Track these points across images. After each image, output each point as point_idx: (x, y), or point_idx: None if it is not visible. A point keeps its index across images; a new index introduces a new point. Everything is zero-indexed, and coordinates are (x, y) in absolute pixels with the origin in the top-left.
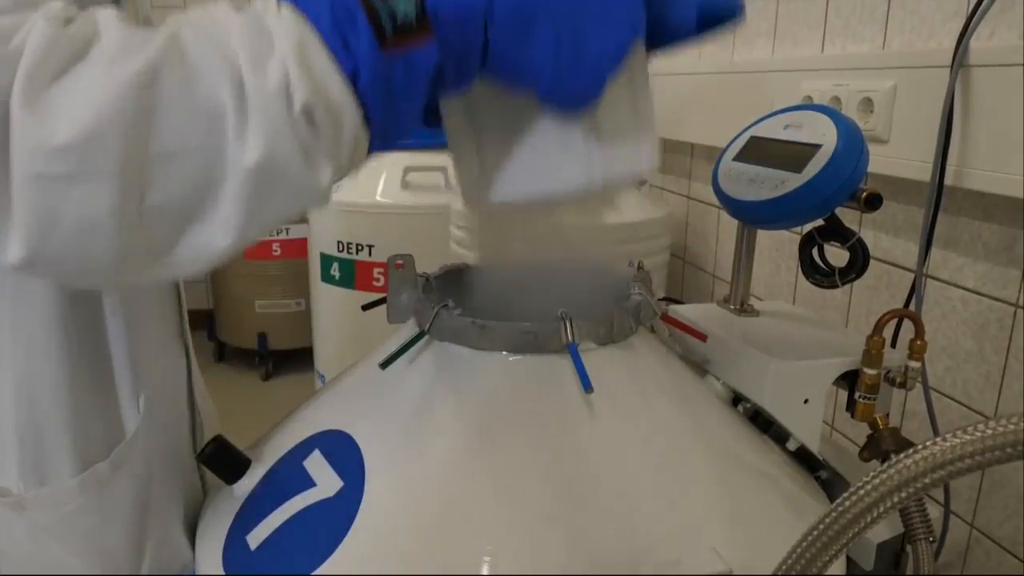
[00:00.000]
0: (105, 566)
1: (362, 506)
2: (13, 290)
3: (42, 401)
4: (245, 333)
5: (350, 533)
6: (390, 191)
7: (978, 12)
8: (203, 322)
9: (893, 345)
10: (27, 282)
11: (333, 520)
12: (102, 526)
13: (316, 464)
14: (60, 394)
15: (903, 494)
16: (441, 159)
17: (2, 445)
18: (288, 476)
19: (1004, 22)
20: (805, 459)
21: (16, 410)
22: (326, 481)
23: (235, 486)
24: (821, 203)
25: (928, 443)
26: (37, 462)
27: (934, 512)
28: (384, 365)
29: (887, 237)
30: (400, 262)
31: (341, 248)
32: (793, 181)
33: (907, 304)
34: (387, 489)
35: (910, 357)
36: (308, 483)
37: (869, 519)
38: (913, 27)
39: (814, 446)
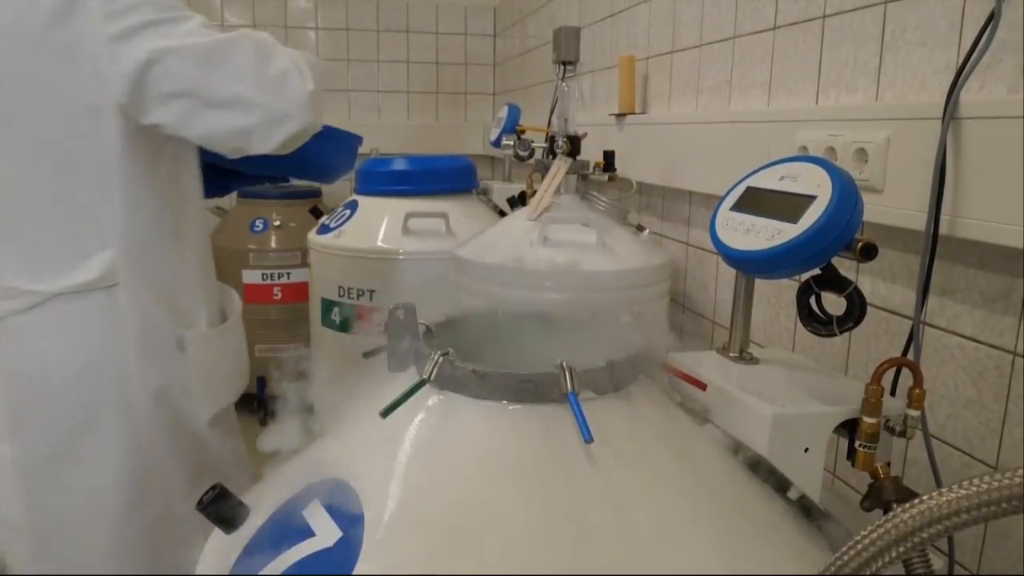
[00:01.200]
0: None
1: (361, 557)
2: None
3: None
4: None
5: None
6: (391, 236)
7: (968, 66)
8: None
9: (893, 393)
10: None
11: (331, 571)
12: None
13: (315, 513)
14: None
15: (902, 548)
16: (442, 205)
17: (193, 303)
18: (287, 525)
19: (993, 76)
20: (806, 508)
21: (200, 282)
22: (325, 531)
23: (234, 535)
24: (817, 253)
25: (926, 497)
26: (213, 310)
27: (938, 562)
28: (384, 414)
29: (885, 284)
30: (401, 311)
31: (342, 293)
32: (789, 231)
33: (905, 351)
34: (386, 540)
35: (909, 405)
36: (307, 533)
37: (869, 573)
38: (905, 79)
39: (815, 495)
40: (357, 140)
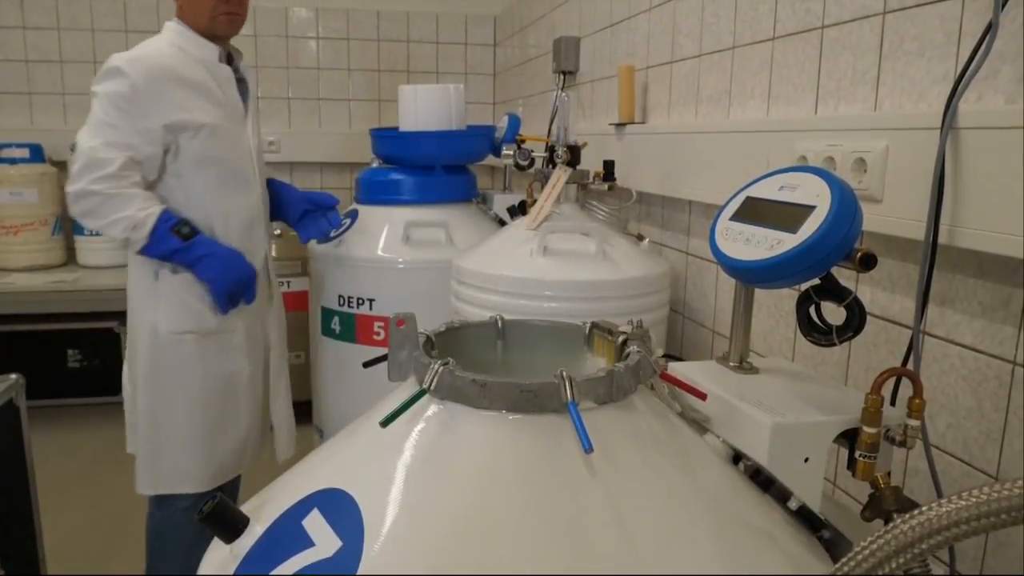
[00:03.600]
0: None
1: (361, 567)
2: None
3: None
4: None
5: None
6: (391, 246)
7: (966, 76)
8: None
9: (892, 403)
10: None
11: None
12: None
13: (315, 523)
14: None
15: (903, 558)
16: (442, 215)
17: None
18: (286, 535)
19: (991, 87)
20: (807, 518)
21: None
22: (325, 541)
23: (233, 545)
24: (816, 263)
25: (927, 507)
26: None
27: (939, 572)
28: (385, 423)
29: (884, 294)
30: (402, 320)
31: (342, 302)
32: (788, 241)
33: (905, 361)
34: (386, 549)
35: (909, 415)
36: (307, 543)
37: None
38: (903, 89)
39: (815, 505)
40: (491, 131)
